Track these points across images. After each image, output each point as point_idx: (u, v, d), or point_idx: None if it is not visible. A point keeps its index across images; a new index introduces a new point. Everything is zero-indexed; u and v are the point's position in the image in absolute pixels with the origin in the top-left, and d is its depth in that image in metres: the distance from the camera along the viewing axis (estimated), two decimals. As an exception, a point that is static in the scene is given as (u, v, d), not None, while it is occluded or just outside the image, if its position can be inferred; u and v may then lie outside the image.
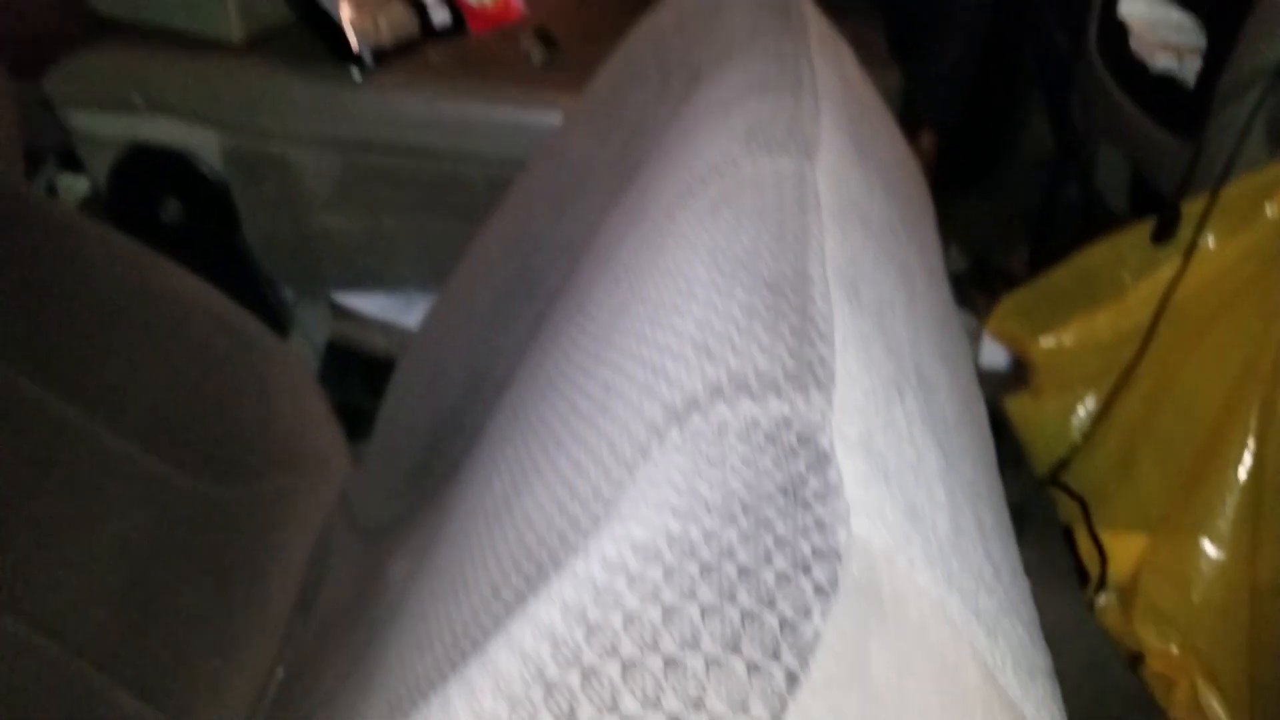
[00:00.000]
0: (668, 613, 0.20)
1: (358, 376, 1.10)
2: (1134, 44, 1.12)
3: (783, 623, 0.20)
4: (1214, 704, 0.89)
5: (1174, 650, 0.92)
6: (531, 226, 0.67)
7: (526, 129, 0.94)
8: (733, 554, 0.21)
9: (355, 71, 0.93)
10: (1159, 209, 1.00)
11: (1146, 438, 0.99)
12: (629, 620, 0.20)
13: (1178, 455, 0.95)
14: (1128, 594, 0.97)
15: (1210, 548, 0.90)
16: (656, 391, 0.28)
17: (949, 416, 0.35)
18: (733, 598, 0.20)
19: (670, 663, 0.19)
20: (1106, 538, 1.01)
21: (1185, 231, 0.95)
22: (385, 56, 0.94)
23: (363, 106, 0.93)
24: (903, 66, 1.52)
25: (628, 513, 0.24)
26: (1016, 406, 1.10)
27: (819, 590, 0.21)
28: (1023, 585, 0.33)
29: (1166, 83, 1.08)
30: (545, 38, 0.98)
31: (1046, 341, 1.04)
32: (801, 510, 0.22)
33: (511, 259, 0.69)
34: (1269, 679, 0.89)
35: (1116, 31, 1.17)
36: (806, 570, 0.21)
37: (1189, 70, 1.06)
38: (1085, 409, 1.05)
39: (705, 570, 0.21)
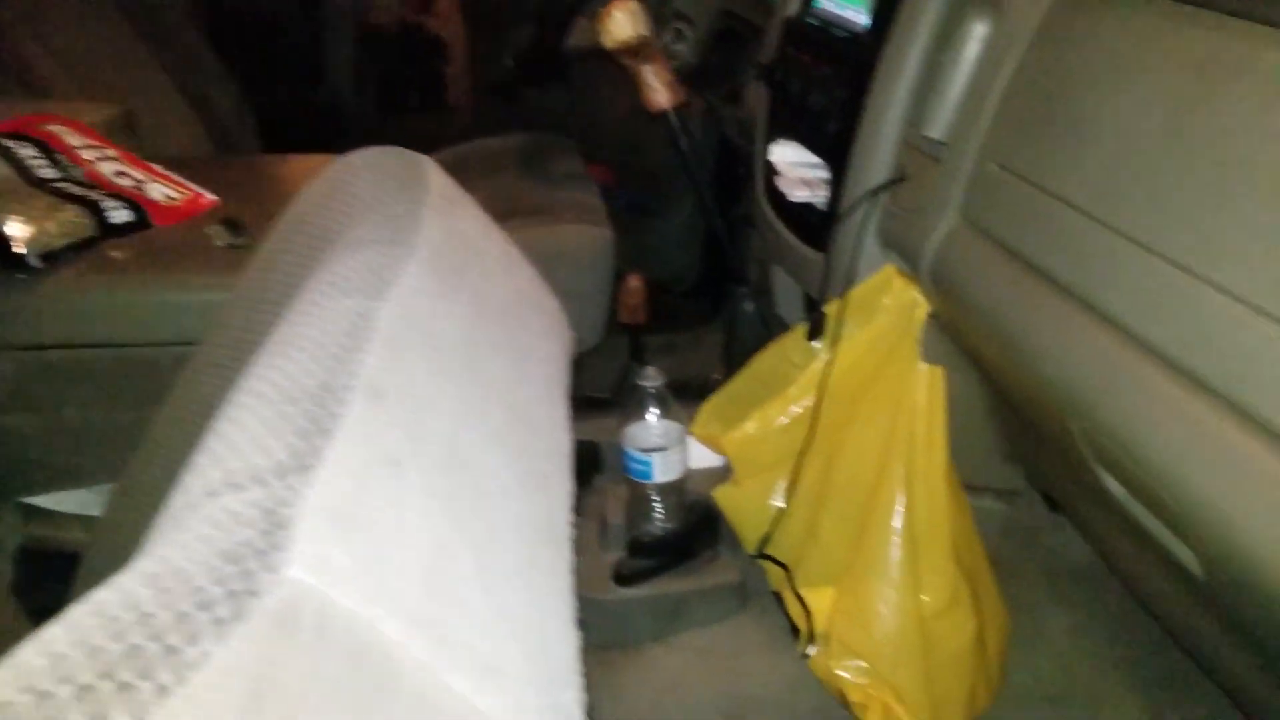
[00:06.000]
0: (91, 653, 0.27)
1: (56, 577, 1.07)
2: (779, 182, 1.33)
3: (167, 649, 0.28)
4: (902, 716, 1.03)
5: (865, 681, 1.06)
6: (201, 395, 0.72)
7: (209, 308, 0.97)
8: (145, 610, 0.29)
9: (19, 275, 0.94)
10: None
11: (826, 503, 1.14)
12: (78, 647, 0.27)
13: (850, 514, 1.11)
14: (826, 641, 1.09)
15: (882, 588, 1.05)
16: (205, 471, 0.36)
17: (485, 490, 0.43)
18: (123, 639, 0.28)
19: (43, 694, 0.26)
20: (808, 595, 1.14)
21: (831, 327, 1.12)
22: (56, 257, 0.96)
23: (34, 307, 0.95)
24: (639, 227, 1.71)
25: (144, 556, 0.31)
26: (723, 496, 1.23)
27: (217, 621, 0.29)
28: (548, 629, 0.42)
29: (807, 209, 1.28)
30: (230, 223, 1.04)
31: (735, 435, 1.18)
32: (231, 566, 0.30)
33: (184, 431, 0.73)
34: (941, 688, 1.04)
35: (770, 172, 1.38)
36: (208, 608, 0.29)
37: (821, 199, 1.26)
38: (777, 488, 1.19)
39: (114, 623, 0.28)
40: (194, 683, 0.28)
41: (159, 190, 1.07)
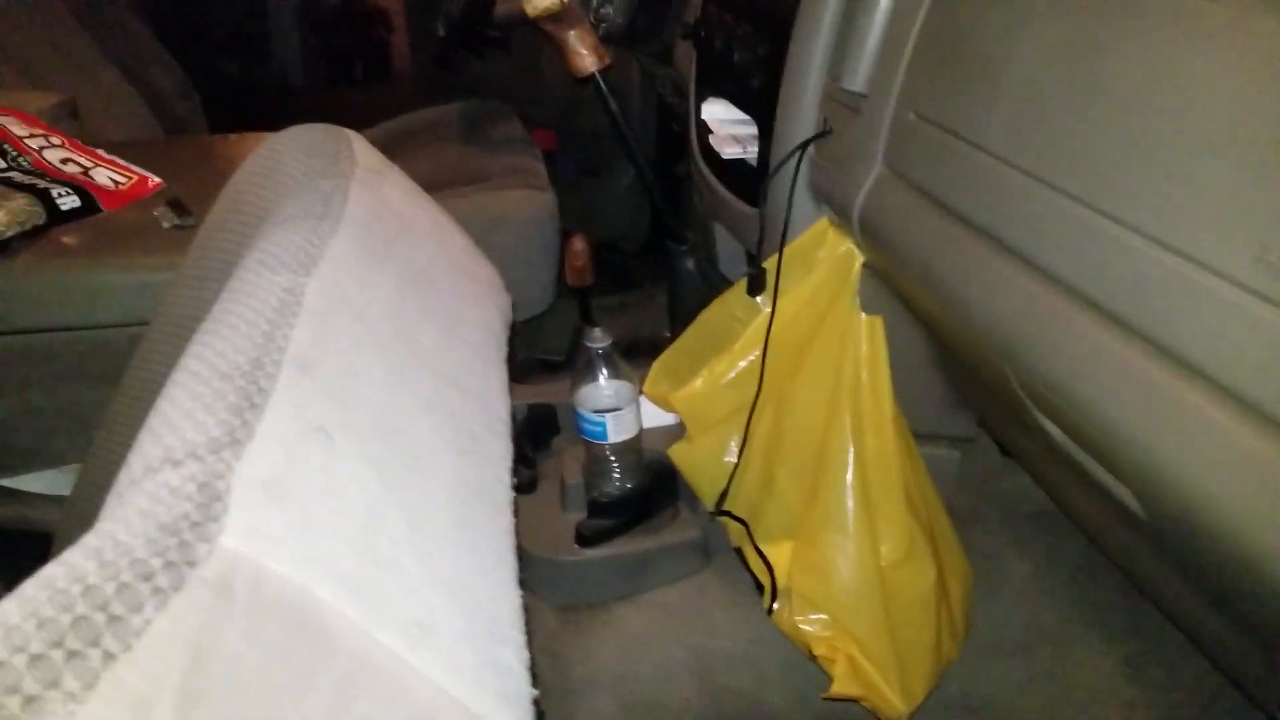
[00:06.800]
0: (42, 624, 0.29)
1: (32, 557, 1.07)
2: (712, 140, 1.34)
3: (111, 618, 0.30)
4: (867, 668, 1.05)
5: (828, 634, 1.08)
6: (150, 374, 0.73)
7: (159, 289, 0.98)
8: (90, 582, 0.30)
9: None
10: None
11: (779, 457, 1.15)
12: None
13: (803, 466, 1.12)
14: (788, 595, 1.11)
15: (838, 539, 1.07)
16: (146, 449, 0.38)
17: (417, 454, 0.45)
18: (71, 610, 0.29)
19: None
20: (768, 550, 1.16)
21: (770, 282, 1.14)
22: (6, 245, 0.98)
23: (-9, 294, 0.96)
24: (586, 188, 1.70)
25: (91, 532, 0.33)
26: (678, 454, 1.25)
27: (157, 591, 0.31)
28: (485, 588, 0.44)
29: (741, 166, 1.30)
30: (176, 205, 1.05)
31: (684, 392, 1.19)
32: (170, 538, 0.32)
33: (136, 410, 0.74)
34: (905, 639, 1.06)
35: (704, 130, 1.40)
36: (148, 579, 0.31)
37: (753, 155, 1.28)
38: (730, 444, 1.21)
39: (62, 595, 0.30)
40: (138, 649, 0.29)
41: (105, 175, 1.08)
